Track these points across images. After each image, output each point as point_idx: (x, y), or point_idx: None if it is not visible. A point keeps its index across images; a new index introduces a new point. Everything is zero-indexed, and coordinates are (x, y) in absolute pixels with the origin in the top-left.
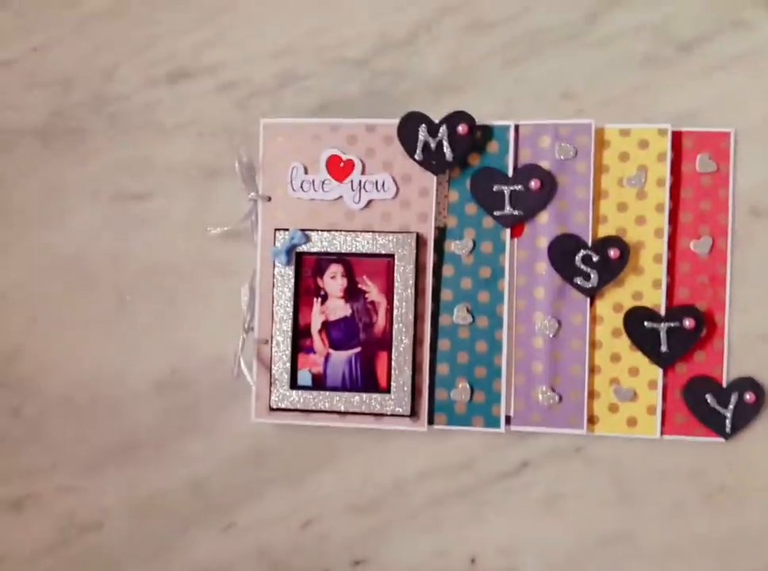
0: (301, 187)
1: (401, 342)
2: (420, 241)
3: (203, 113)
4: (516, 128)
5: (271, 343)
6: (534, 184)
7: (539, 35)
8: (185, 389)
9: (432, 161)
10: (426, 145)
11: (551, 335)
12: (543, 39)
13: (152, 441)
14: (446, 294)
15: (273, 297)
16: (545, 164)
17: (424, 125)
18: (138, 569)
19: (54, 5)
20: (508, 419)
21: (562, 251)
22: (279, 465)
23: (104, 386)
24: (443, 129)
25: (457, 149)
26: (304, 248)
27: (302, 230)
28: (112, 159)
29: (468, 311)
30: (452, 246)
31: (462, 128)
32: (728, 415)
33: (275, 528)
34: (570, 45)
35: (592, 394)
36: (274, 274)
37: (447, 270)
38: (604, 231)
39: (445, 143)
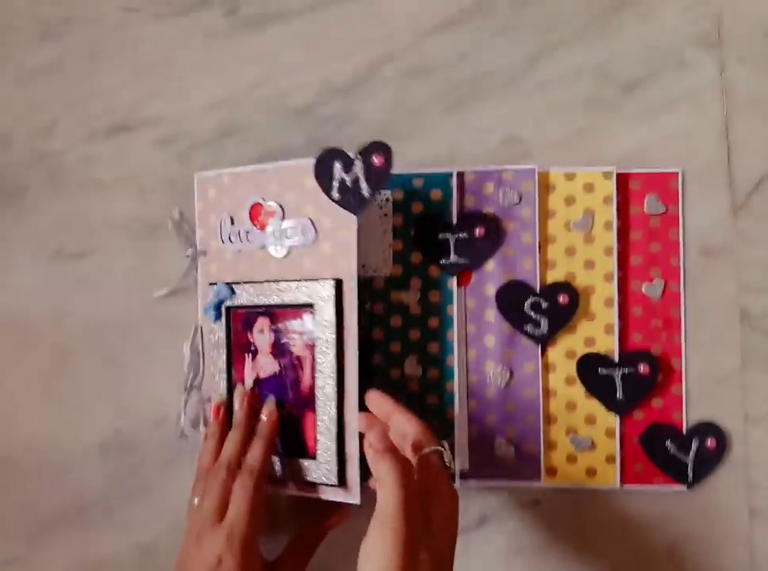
0: (229, 239)
1: (325, 401)
2: (340, 287)
3: (143, 168)
4: (460, 175)
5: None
6: (479, 231)
7: (480, 79)
8: (130, 451)
9: (349, 199)
10: (342, 182)
11: (502, 386)
12: (484, 83)
13: (99, 505)
14: (394, 346)
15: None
16: (490, 211)
17: (338, 161)
18: None
19: None
20: (463, 474)
21: (511, 299)
22: None
23: (47, 450)
24: (357, 163)
25: (374, 183)
26: (233, 302)
27: (228, 283)
28: (52, 216)
29: (418, 362)
30: (399, 296)
31: (377, 160)
32: (689, 462)
33: None
34: (511, 89)
35: (549, 444)
36: (210, 330)
37: (395, 321)
38: (552, 277)
39: (361, 178)
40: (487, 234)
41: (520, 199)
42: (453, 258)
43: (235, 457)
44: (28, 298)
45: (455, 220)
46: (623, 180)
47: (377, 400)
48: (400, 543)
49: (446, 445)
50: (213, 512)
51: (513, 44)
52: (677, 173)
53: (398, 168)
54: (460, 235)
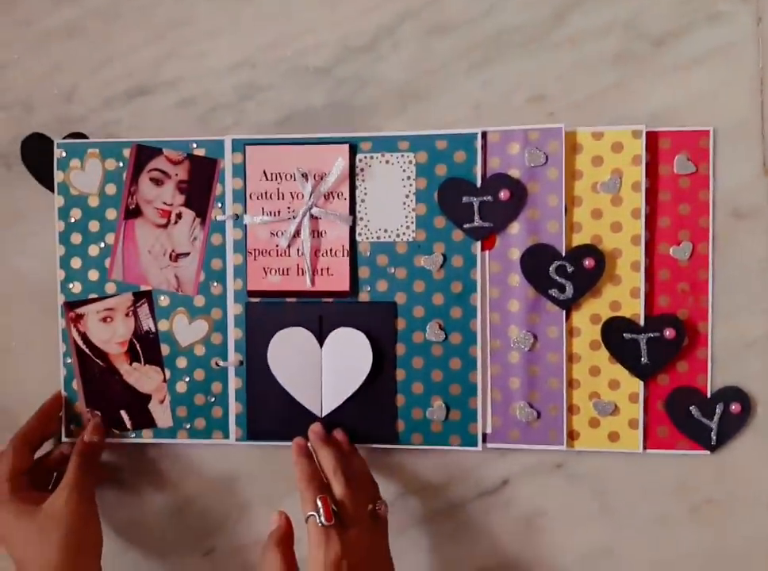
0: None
1: None
2: None
3: (164, 131)
4: (484, 135)
5: None
6: (503, 194)
7: (505, 36)
8: None
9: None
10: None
11: (526, 349)
12: (509, 40)
13: (129, 469)
14: (417, 311)
15: None
16: (515, 172)
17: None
18: None
19: (9, 24)
20: (485, 437)
21: (535, 263)
22: (258, 488)
23: None
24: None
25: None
26: None
27: None
28: None
29: (441, 327)
30: (422, 261)
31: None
32: (713, 426)
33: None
34: (537, 46)
35: (571, 409)
36: None
37: (418, 286)
38: (578, 240)
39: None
40: (512, 197)
41: (547, 160)
42: (477, 221)
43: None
44: (44, 261)
45: (479, 183)
46: (652, 139)
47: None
48: None
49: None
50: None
51: None
52: (709, 131)
53: (421, 129)
54: (484, 198)
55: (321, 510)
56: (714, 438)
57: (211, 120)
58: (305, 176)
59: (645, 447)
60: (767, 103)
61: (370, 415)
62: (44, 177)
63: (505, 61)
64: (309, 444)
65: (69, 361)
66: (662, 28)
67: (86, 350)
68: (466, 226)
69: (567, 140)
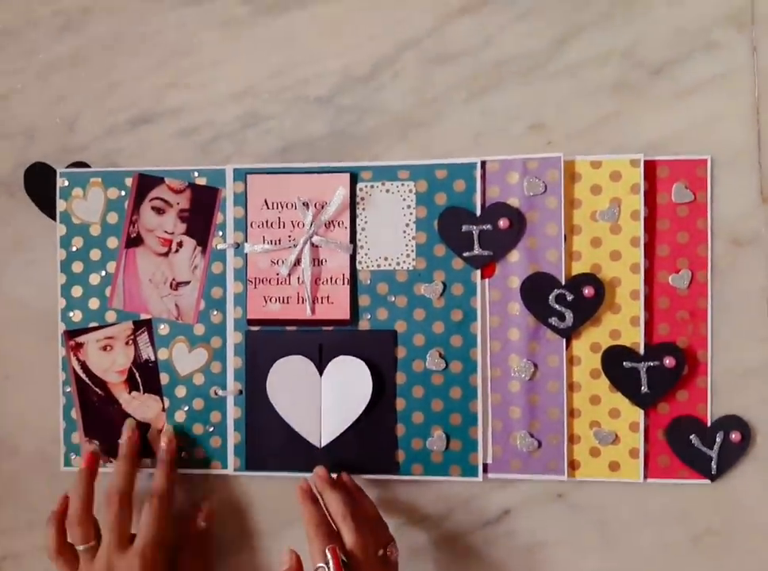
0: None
1: None
2: None
3: (166, 160)
4: (483, 164)
5: None
6: (503, 223)
7: (504, 66)
8: None
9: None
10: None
11: (526, 378)
12: (508, 69)
13: None
14: (418, 339)
15: None
16: (514, 201)
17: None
18: None
19: (13, 54)
20: (486, 467)
21: (535, 291)
22: (258, 517)
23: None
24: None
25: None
26: None
27: None
28: None
29: (441, 356)
30: (422, 289)
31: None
32: (714, 455)
33: None
34: (536, 75)
35: (572, 438)
36: None
37: (418, 314)
38: (578, 269)
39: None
40: (511, 226)
41: (546, 188)
42: (477, 250)
43: (123, 487)
44: (47, 291)
45: (478, 212)
46: (650, 168)
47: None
48: None
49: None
50: (118, 541)
51: (538, 27)
52: (706, 160)
53: (422, 158)
54: (484, 227)
55: (331, 562)
56: (714, 467)
57: (212, 149)
58: (305, 205)
59: (646, 477)
60: (764, 131)
61: (369, 444)
62: (47, 205)
63: (505, 90)
64: (313, 487)
65: (68, 389)
66: (659, 57)
67: (86, 379)
68: (466, 254)
69: (566, 169)
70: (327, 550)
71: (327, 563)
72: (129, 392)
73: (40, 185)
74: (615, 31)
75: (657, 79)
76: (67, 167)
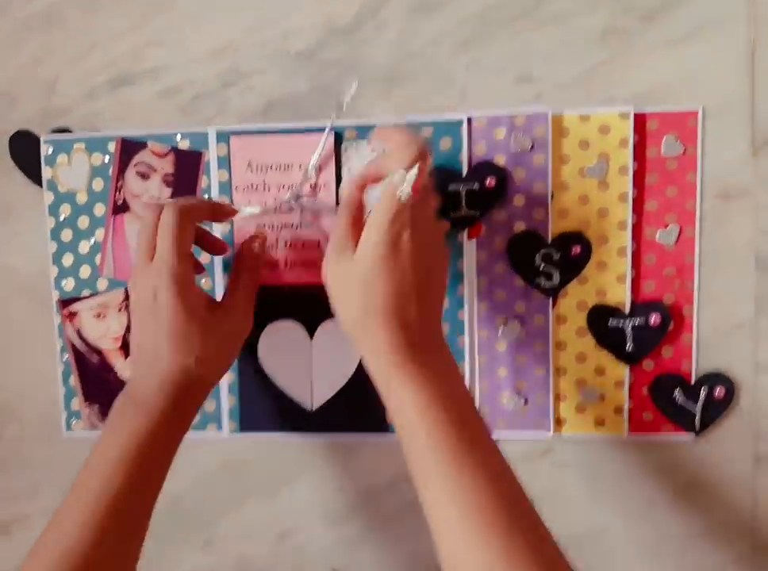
0: None
1: None
2: None
3: (148, 121)
4: (470, 121)
5: None
6: (489, 182)
7: (490, 15)
8: None
9: None
10: None
11: (513, 338)
12: (494, 19)
13: None
14: None
15: None
16: (501, 158)
17: None
18: None
19: None
20: None
21: (521, 251)
22: (254, 478)
23: None
24: None
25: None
26: None
27: None
28: None
29: None
30: None
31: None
32: (697, 411)
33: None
34: (522, 24)
35: (558, 396)
36: None
37: None
38: (565, 226)
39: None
40: (498, 184)
41: (533, 145)
42: (464, 210)
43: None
44: (38, 258)
45: (465, 171)
46: (640, 120)
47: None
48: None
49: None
50: (142, 254)
51: None
52: (697, 111)
53: (407, 113)
54: (471, 186)
55: (413, 177)
56: (698, 422)
57: (194, 110)
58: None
59: (630, 432)
60: (757, 81)
61: (360, 405)
62: (33, 173)
63: (491, 42)
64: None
65: (66, 357)
66: (650, 3)
67: (82, 347)
68: (453, 214)
69: (554, 124)
70: (413, 169)
71: (404, 182)
72: (125, 358)
73: (25, 152)
74: None
75: (648, 26)
76: (50, 133)
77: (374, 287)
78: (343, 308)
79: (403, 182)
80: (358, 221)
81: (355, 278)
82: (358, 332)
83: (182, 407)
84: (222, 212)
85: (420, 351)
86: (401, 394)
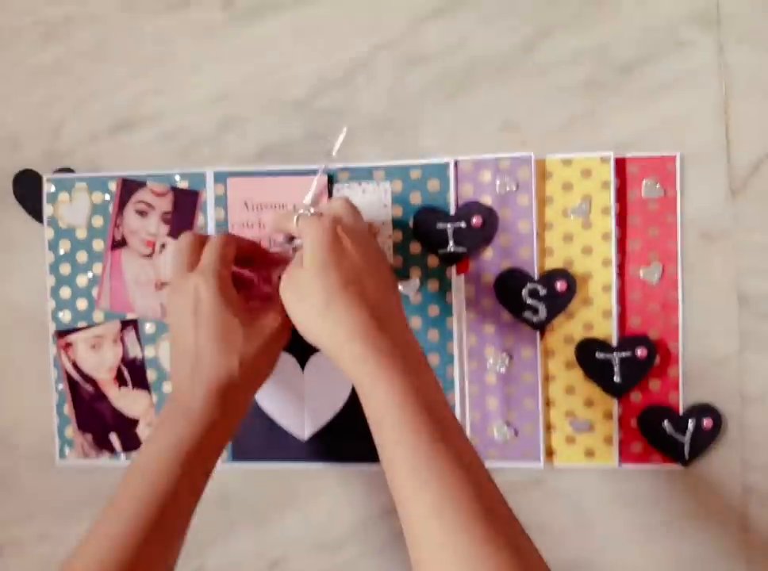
0: None
1: None
2: None
3: (147, 164)
4: (456, 164)
5: None
6: (476, 221)
7: (476, 66)
8: None
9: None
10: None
11: (502, 371)
12: (480, 70)
13: None
14: None
15: None
16: (487, 199)
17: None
18: None
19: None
20: None
21: (509, 286)
22: (245, 507)
23: None
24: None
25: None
26: None
27: None
28: None
29: None
30: (399, 285)
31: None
32: (686, 441)
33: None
34: (507, 75)
35: (548, 427)
36: None
37: None
38: (550, 264)
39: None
40: (484, 223)
41: (518, 186)
42: (451, 247)
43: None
44: (41, 296)
45: (452, 211)
46: (620, 165)
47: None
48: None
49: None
50: (180, 267)
51: (509, 28)
52: (675, 156)
53: (397, 158)
54: (458, 224)
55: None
56: (686, 453)
57: (191, 153)
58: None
59: (620, 462)
60: (732, 128)
61: (353, 434)
62: (35, 210)
63: (477, 91)
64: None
65: (60, 387)
66: (628, 56)
67: (77, 376)
68: (441, 251)
69: (538, 167)
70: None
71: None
72: (119, 388)
73: (27, 190)
74: (585, 31)
75: (627, 78)
76: (54, 173)
77: (329, 276)
78: (304, 309)
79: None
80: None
81: (309, 279)
82: (322, 326)
83: (227, 411)
84: (259, 253)
85: (386, 328)
86: (373, 384)
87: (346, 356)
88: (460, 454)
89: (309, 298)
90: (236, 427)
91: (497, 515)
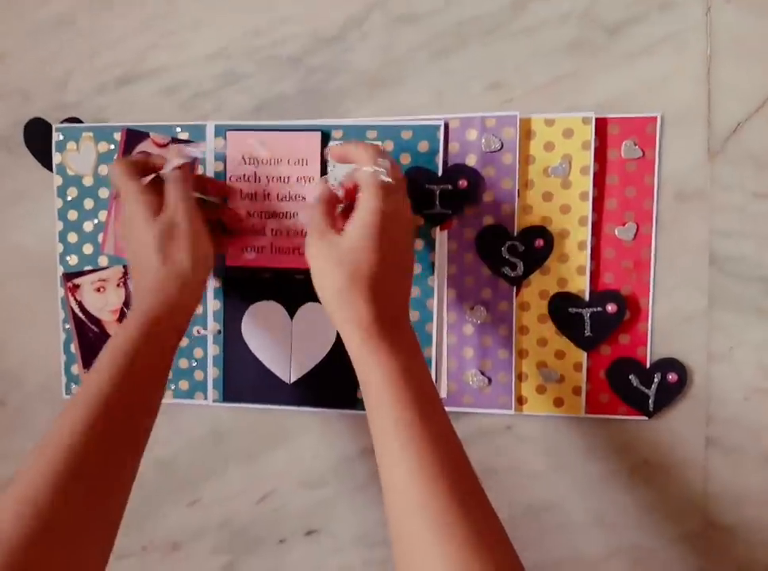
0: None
1: None
2: None
3: (150, 116)
4: (446, 125)
5: None
6: (461, 183)
7: (466, 26)
8: None
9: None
10: None
11: (478, 322)
12: (469, 30)
13: None
14: None
15: None
16: (472, 157)
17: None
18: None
19: (4, 17)
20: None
21: (489, 243)
22: (236, 445)
23: None
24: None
25: None
26: None
27: None
28: None
29: None
30: None
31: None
32: (651, 394)
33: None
34: (495, 35)
35: (520, 376)
36: None
37: None
38: (529, 221)
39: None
40: (469, 185)
41: (502, 145)
42: (437, 208)
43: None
44: (47, 239)
45: (440, 172)
46: (601, 125)
47: (335, 149)
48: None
49: (383, 164)
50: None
51: None
52: (656, 117)
53: (387, 115)
54: (445, 186)
55: (388, 167)
56: (652, 405)
57: (192, 107)
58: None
59: (587, 412)
60: (714, 90)
61: (334, 382)
62: (44, 158)
63: (465, 50)
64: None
65: (67, 326)
66: (615, 16)
67: (83, 317)
68: (427, 212)
69: (522, 127)
70: (382, 158)
71: (382, 167)
72: None
73: (37, 139)
74: None
75: (612, 39)
76: (62, 123)
77: (360, 261)
78: (326, 281)
79: (383, 170)
80: (333, 210)
81: (341, 254)
82: (338, 302)
83: (186, 295)
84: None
85: (390, 324)
86: (369, 364)
87: (352, 332)
88: (440, 434)
89: (332, 271)
90: (191, 317)
91: (466, 482)
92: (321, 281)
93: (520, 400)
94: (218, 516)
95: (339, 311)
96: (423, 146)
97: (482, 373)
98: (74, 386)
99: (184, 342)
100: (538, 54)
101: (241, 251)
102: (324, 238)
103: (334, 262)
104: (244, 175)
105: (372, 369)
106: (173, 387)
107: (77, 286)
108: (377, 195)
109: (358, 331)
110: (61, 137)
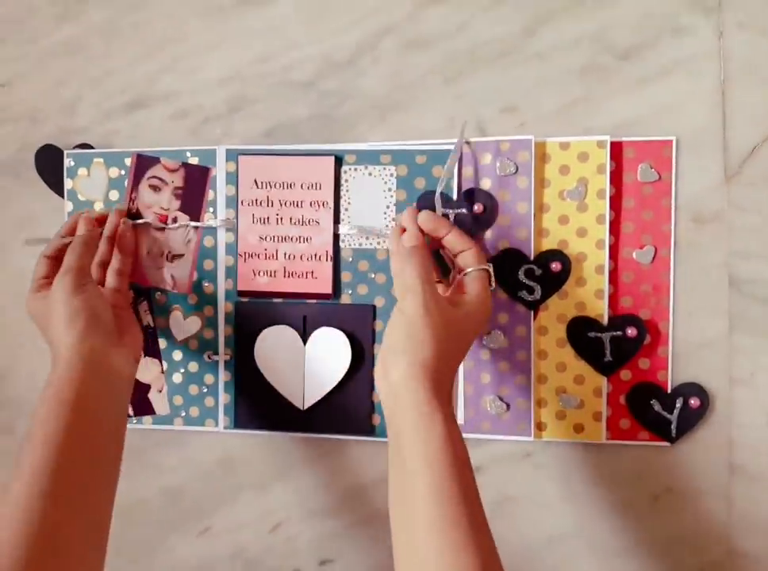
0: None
1: None
2: None
3: (159, 142)
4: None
5: None
6: (477, 207)
7: (478, 50)
8: None
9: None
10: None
11: (496, 347)
12: (482, 54)
13: (131, 454)
14: None
15: None
16: (487, 181)
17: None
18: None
19: (15, 42)
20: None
21: (506, 267)
22: (248, 473)
23: None
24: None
25: None
26: None
27: None
28: None
29: None
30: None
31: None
32: (673, 419)
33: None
34: (508, 60)
35: (539, 402)
36: None
37: None
38: (546, 245)
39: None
40: (484, 210)
41: (517, 169)
42: None
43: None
44: None
45: (455, 196)
46: (617, 149)
47: (430, 218)
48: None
49: (491, 267)
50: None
51: (510, 13)
52: (672, 141)
53: (399, 139)
54: (459, 210)
55: (492, 276)
56: (674, 430)
57: (202, 131)
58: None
59: (608, 438)
60: (728, 114)
61: (348, 408)
62: (55, 184)
63: (478, 75)
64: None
65: None
66: (627, 42)
67: None
68: None
69: (536, 150)
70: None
71: (490, 272)
72: None
73: (48, 165)
74: (584, 16)
75: (625, 63)
76: (73, 148)
77: (465, 335)
78: (438, 341)
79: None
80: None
81: (458, 323)
82: (413, 345)
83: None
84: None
85: (448, 393)
86: (419, 427)
87: (408, 372)
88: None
89: (445, 335)
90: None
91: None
92: (429, 338)
93: (540, 427)
94: (229, 546)
95: (410, 353)
96: (437, 170)
97: (501, 399)
98: None
99: (194, 368)
100: (550, 78)
101: (253, 276)
102: (441, 301)
103: (447, 328)
104: (256, 199)
105: (420, 433)
106: (183, 414)
107: None
108: (486, 289)
109: (422, 382)
110: (72, 163)
